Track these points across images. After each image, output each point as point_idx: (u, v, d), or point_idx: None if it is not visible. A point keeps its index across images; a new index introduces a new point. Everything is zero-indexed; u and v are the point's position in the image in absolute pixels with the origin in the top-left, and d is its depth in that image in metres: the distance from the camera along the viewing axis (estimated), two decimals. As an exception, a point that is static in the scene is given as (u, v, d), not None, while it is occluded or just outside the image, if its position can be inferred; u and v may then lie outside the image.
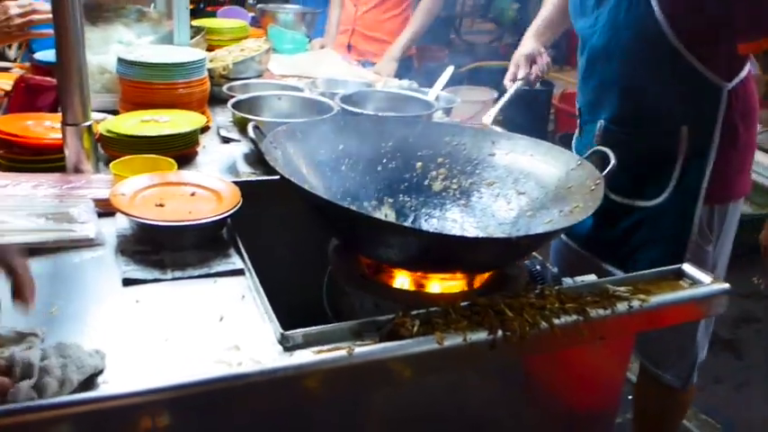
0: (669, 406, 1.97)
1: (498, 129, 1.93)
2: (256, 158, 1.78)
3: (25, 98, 1.97)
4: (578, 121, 1.96)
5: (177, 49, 2.11)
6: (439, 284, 1.33)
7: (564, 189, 1.44)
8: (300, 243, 1.63)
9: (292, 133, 1.51)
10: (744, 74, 1.68)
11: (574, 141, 2.04)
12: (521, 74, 2.06)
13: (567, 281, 1.43)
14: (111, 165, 1.51)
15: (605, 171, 1.39)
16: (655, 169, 1.73)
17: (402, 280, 1.34)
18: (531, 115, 4.86)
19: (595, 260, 1.84)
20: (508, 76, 2.09)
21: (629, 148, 1.69)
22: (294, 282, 1.57)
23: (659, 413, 2.00)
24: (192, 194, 1.41)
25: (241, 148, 1.85)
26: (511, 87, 2.06)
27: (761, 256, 1.73)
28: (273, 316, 1.12)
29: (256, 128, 1.45)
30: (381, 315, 1.28)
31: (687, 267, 1.36)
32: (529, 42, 2.09)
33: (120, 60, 1.92)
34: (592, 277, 1.45)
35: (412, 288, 1.34)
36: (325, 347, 1.05)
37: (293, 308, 1.39)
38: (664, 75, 1.66)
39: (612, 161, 1.41)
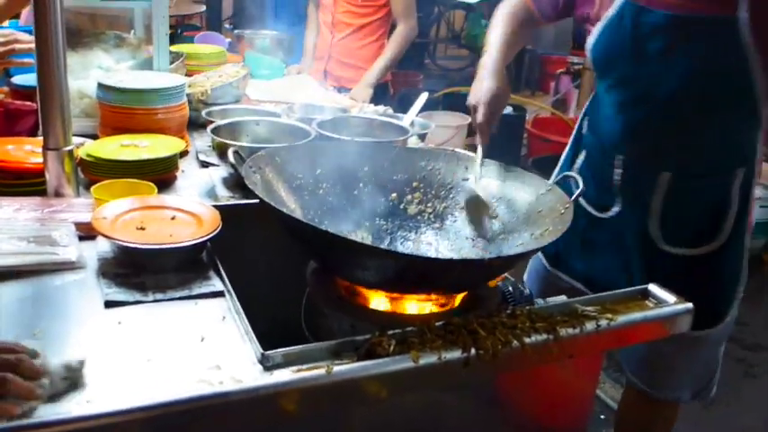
0: (661, 420, 2.00)
1: (472, 154, 1.97)
2: (235, 182, 1.81)
3: (4, 123, 1.99)
4: (610, 164, 1.76)
5: (157, 75, 2.14)
6: (414, 305, 1.37)
7: (535, 213, 1.49)
8: (279, 265, 1.66)
9: (271, 158, 1.55)
10: None
11: (582, 174, 1.73)
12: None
13: (539, 301, 1.48)
14: (92, 189, 1.53)
15: (574, 196, 1.44)
16: (715, 212, 1.69)
17: (378, 301, 1.38)
18: (505, 140, 4.96)
19: (567, 286, 1.89)
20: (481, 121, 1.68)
21: (695, 196, 1.67)
22: (273, 303, 1.60)
23: (649, 428, 2.02)
24: (173, 218, 1.43)
25: (220, 172, 1.88)
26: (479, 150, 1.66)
27: None
28: (253, 336, 1.15)
29: (236, 153, 1.49)
30: (358, 335, 1.32)
31: (652, 287, 1.41)
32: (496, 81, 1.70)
33: (101, 85, 1.94)
34: (562, 298, 1.50)
35: (388, 309, 1.37)
36: (305, 366, 1.08)
37: (272, 328, 1.42)
38: (737, 122, 1.63)
39: (581, 186, 1.46)
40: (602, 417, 2.37)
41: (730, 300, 1.75)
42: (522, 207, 1.53)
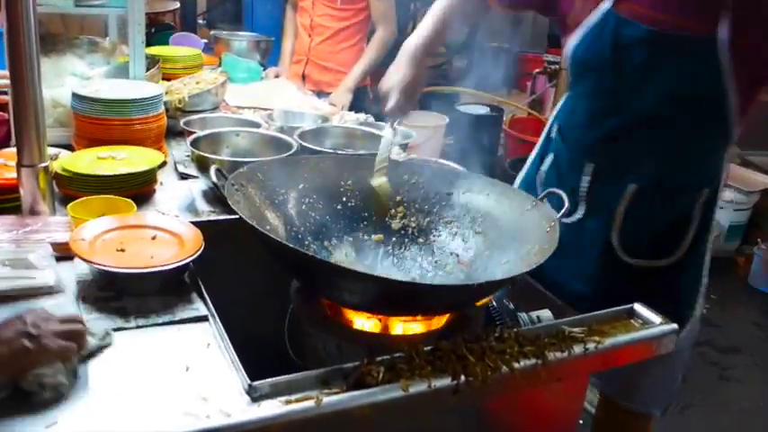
0: (635, 430, 2.00)
1: (455, 165, 1.97)
2: (215, 196, 1.79)
3: (-25, 133, 1.94)
4: (581, 175, 1.74)
5: (133, 84, 2.09)
6: (401, 325, 1.36)
7: (520, 230, 1.48)
8: (261, 282, 1.63)
9: (253, 174, 1.53)
10: None
11: (547, 179, 1.85)
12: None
13: (523, 316, 1.47)
14: (68, 207, 1.49)
15: (560, 213, 1.44)
16: (671, 227, 1.69)
17: (363, 321, 1.36)
18: (482, 140, 4.96)
19: (548, 295, 1.89)
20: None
21: (658, 210, 1.67)
22: (256, 320, 1.58)
23: None
24: (153, 238, 1.40)
25: (199, 184, 1.85)
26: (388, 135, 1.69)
27: None
28: (240, 365, 1.13)
29: (218, 170, 1.46)
30: (344, 357, 1.30)
31: (638, 307, 1.41)
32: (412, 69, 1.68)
33: (75, 95, 1.89)
34: (547, 313, 1.50)
35: (374, 330, 1.36)
36: (293, 397, 1.06)
37: (256, 346, 1.40)
38: (709, 141, 1.63)
39: (566, 204, 1.45)
40: (580, 422, 2.38)
41: (687, 313, 1.75)
42: (507, 223, 1.52)
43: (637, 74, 1.57)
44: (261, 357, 1.32)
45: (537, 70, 5.85)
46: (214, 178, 1.42)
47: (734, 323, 3.67)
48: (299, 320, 1.44)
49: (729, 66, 1.47)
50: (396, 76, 1.66)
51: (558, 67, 5.44)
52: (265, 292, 1.58)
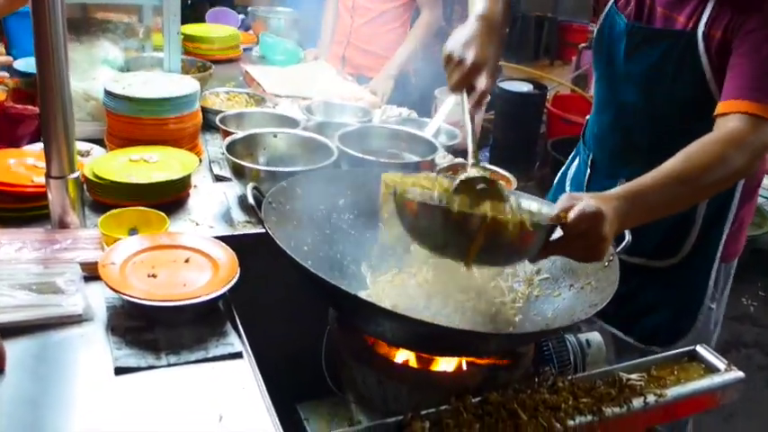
0: None
1: (505, 173, 1.86)
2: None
3: (5, 127, 1.88)
4: (586, 163, 1.79)
5: (168, 79, 1.99)
6: (444, 362, 1.28)
7: (574, 261, 1.38)
8: (299, 298, 1.56)
9: (292, 190, 1.46)
10: None
11: (572, 177, 1.89)
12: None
13: (571, 339, 1.38)
14: (99, 222, 1.42)
15: (619, 248, 1.33)
16: (673, 230, 1.64)
17: (405, 355, 1.29)
18: (523, 119, 4.80)
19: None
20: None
21: None
22: (294, 338, 1.52)
23: None
24: (187, 260, 1.33)
25: (235, 189, 1.77)
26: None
27: None
28: (276, 419, 1.06)
29: (256, 188, 1.38)
30: (385, 392, 1.24)
31: (700, 350, 1.32)
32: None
33: (108, 93, 1.81)
34: (597, 337, 1.41)
35: (416, 365, 1.28)
36: (334, 457, 0.99)
37: (293, 367, 1.35)
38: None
39: (627, 238, 1.34)
40: None
41: (692, 316, 1.67)
42: (559, 252, 1.42)
43: (621, 64, 1.59)
44: (298, 376, 1.26)
45: (582, 45, 5.61)
46: (251, 200, 1.34)
47: (783, 324, 3.52)
48: (337, 347, 1.37)
49: (707, 61, 1.45)
50: (476, 50, 1.34)
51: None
52: (302, 309, 1.50)
